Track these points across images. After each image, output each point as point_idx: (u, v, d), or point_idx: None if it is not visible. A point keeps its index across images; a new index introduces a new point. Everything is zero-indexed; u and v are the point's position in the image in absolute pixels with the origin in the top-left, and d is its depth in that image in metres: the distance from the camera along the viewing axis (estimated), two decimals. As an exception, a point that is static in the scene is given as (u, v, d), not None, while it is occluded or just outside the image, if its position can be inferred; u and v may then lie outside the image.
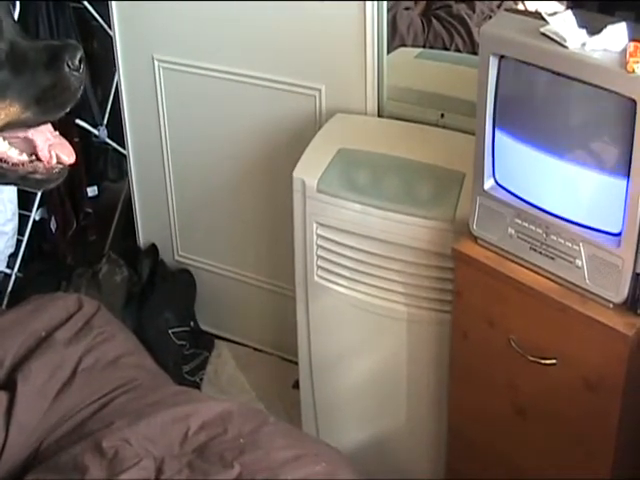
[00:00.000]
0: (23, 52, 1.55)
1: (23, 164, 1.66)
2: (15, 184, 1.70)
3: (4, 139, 1.63)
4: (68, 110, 1.62)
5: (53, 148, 1.69)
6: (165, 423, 2.23)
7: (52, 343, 2.47)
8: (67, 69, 1.57)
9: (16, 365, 2.42)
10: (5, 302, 3.34)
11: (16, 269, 3.39)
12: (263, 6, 2.72)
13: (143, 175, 3.33)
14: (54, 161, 1.69)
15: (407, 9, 3.13)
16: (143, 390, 2.42)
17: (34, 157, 1.67)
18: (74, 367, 2.44)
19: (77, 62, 1.58)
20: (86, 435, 2.22)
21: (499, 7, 3.10)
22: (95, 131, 3.59)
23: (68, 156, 1.71)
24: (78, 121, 3.51)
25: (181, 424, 2.23)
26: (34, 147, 1.66)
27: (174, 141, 3.18)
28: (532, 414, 2.19)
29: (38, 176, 1.67)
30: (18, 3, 3.12)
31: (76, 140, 3.66)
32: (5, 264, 3.34)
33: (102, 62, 3.64)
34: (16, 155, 1.65)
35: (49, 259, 3.60)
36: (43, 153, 1.67)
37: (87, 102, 3.55)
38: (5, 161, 1.64)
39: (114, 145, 3.66)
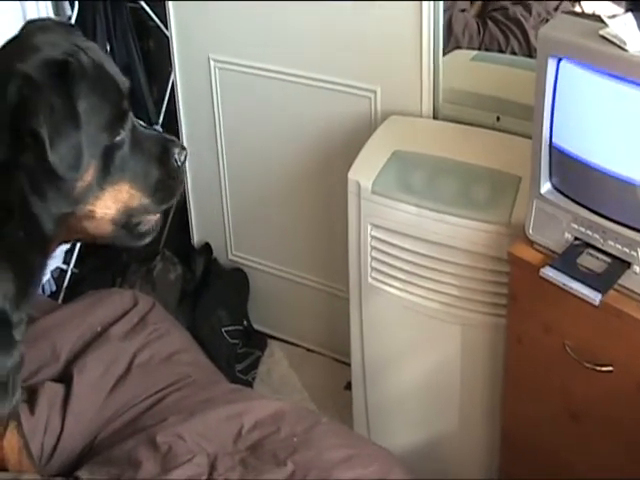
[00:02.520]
0: (141, 139, 1.63)
1: None
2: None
3: None
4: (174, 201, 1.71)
5: None
6: (219, 420, 2.25)
7: (107, 338, 2.50)
8: (175, 163, 1.66)
9: (72, 359, 2.45)
10: (61, 297, 3.38)
11: (72, 265, 3.43)
12: (319, 7, 2.72)
13: (198, 174, 3.35)
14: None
15: (463, 10, 3.11)
16: (197, 387, 2.44)
17: None
18: (129, 362, 2.47)
19: (183, 158, 1.67)
20: (140, 430, 2.25)
21: (556, 9, 3.07)
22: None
23: None
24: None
25: (235, 422, 2.25)
26: None
27: (229, 141, 3.19)
28: (587, 419, 2.17)
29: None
30: (77, 3, 3.15)
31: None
32: (61, 260, 3.38)
33: (158, 62, 3.68)
34: None
35: (104, 256, 3.63)
36: None
37: (143, 101, 3.57)
38: None
39: (169, 144, 3.68)
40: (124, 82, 1.64)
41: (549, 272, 1.99)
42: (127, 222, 1.65)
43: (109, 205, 1.60)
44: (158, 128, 3.61)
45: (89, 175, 1.54)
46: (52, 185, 1.53)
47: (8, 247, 1.59)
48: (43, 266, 1.70)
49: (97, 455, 2.23)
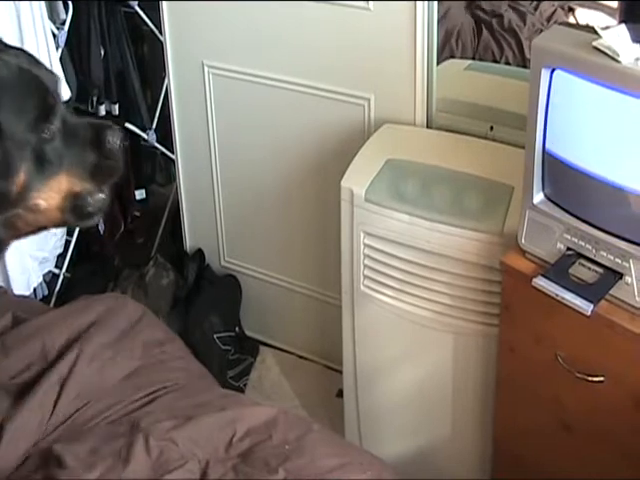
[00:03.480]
0: (73, 128, 1.66)
1: None
2: None
3: None
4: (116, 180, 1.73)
5: None
6: (211, 427, 2.25)
7: (97, 343, 2.49)
8: (109, 145, 1.68)
9: (60, 359, 2.45)
10: (53, 301, 3.38)
11: (64, 269, 3.42)
12: (314, 15, 2.72)
13: (191, 180, 3.35)
14: None
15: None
16: (189, 390, 2.44)
17: None
18: (119, 368, 2.46)
19: (117, 139, 1.69)
20: (132, 426, 2.25)
21: (549, 20, 3.08)
22: (144, 135, 3.62)
23: None
24: (127, 125, 3.54)
25: (227, 429, 2.24)
26: None
27: (222, 146, 3.19)
28: (579, 430, 2.17)
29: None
30: (71, 7, 3.14)
31: (125, 144, 3.70)
32: (54, 264, 3.37)
33: (152, 67, 3.68)
34: None
35: (97, 260, 3.63)
36: None
37: (136, 106, 3.58)
38: None
39: (162, 149, 3.69)
40: (51, 78, 1.66)
41: (541, 282, 2.00)
42: (74, 206, 1.69)
43: (52, 196, 1.64)
44: (151, 133, 3.61)
45: (22, 176, 1.58)
46: None
47: None
48: None
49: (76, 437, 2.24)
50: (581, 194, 1.98)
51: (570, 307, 1.94)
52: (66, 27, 3.13)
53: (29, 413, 2.26)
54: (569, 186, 1.99)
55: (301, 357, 3.36)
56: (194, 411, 2.30)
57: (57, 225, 1.74)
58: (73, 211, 1.70)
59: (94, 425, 2.31)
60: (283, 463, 2.14)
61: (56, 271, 3.42)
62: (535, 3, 3.19)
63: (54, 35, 3.01)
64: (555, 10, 3.15)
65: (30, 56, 1.68)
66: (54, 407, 2.31)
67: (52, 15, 3.10)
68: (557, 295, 1.96)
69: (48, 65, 2.77)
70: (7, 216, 1.62)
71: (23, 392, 2.33)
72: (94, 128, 1.69)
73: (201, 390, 2.47)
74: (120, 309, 2.63)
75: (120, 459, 2.13)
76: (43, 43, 2.81)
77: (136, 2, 3.43)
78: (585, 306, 1.93)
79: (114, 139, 1.68)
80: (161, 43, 3.19)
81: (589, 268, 2.00)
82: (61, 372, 2.37)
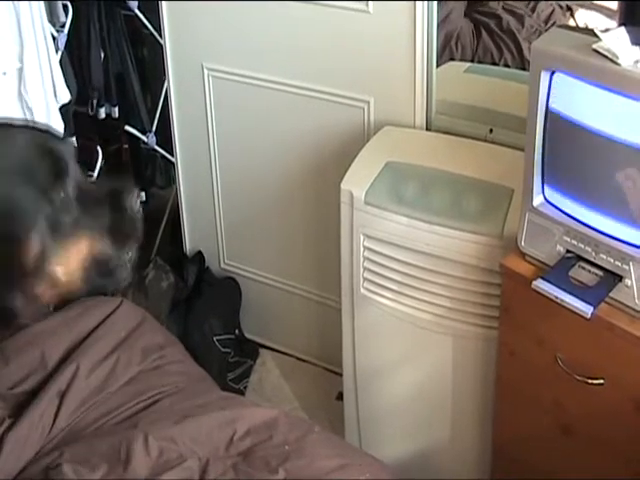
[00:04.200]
0: (88, 193, 1.60)
1: None
2: None
3: None
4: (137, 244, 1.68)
5: None
6: (212, 426, 2.25)
7: (98, 348, 2.49)
8: (128, 208, 1.63)
9: (60, 367, 2.45)
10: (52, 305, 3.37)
11: (64, 273, 3.41)
12: (313, 17, 2.72)
13: (191, 182, 3.35)
14: None
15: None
16: (189, 393, 2.44)
17: None
18: (119, 373, 2.46)
19: (136, 201, 1.64)
20: (131, 427, 2.25)
21: (547, 21, 3.08)
22: (144, 138, 3.62)
23: None
24: (127, 127, 3.55)
25: (227, 428, 2.25)
26: None
27: (222, 149, 3.19)
28: (579, 434, 2.17)
29: None
30: (71, 10, 3.14)
31: (125, 146, 3.70)
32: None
33: (152, 70, 3.68)
34: None
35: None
36: None
37: (136, 109, 3.57)
38: None
39: (162, 152, 3.69)
40: (62, 145, 1.60)
41: (541, 284, 1.99)
42: (96, 268, 1.62)
43: (73, 264, 1.57)
44: (151, 136, 3.61)
45: (37, 247, 1.51)
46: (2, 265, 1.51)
47: None
48: None
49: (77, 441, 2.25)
50: (580, 193, 1.97)
51: (570, 310, 1.94)
52: (66, 30, 3.12)
53: (29, 425, 2.27)
54: (569, 185, 1.99)
55: (301, 360, 3.36)
56: (194, 411, 2.31)
57: (82, 291, 1.63)
58: (95, 272, 1.61)
59: (94, 429, 2.31)
60: (283, 463, 2.14)
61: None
62: (532, 5, 3.19)
63: (54, 38, 3.01)
64: (552, 11, 3.15)
65: (39, 128, 1.62)
66: (54, 419, 2.31)
67: (52, 18, 3.10)
68: (557, 298, 1.96)
69: (48, 71, 2.81)
70: (27, 290, 1.55)
71: (22, 403, 2.33)
72: (110, 191, 1.63)
73: (201, 392, 2.48)
74: (119, 315, 2.63)
75: (120, 460, 2.14)
76: (43, 46, 2.81)
77: (136, 4, 3.43)
78: (585, 309, 1.92)
79: (132, 201, 1.63)
80: (161, 46, 3.19)
81: (589, 271, 2.00)
82: (60, 386, 2.37)
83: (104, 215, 1.61)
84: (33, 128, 1.62)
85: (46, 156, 1.56)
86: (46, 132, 1.62)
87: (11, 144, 1.54)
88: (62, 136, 1.65)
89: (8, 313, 1.56)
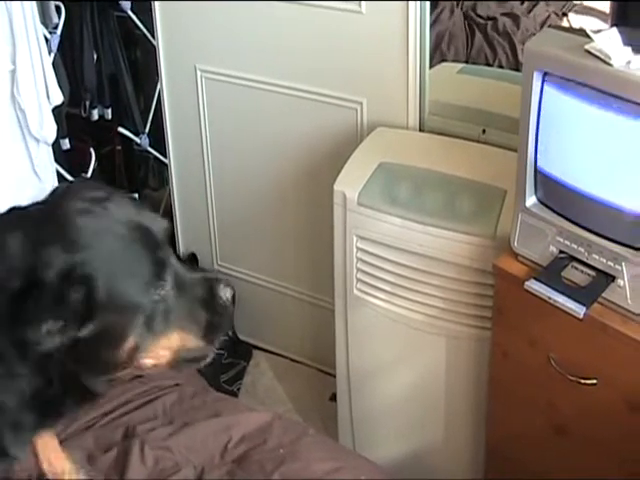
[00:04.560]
0: (184, 283, 1.56)
1: None
2: None
3: None
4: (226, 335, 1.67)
5: None
6: (207, 433, 2.26)
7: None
8: (220, 301, 1.61)
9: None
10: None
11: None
12: (306, 18, 2.72)
13: (184, 184, 3.35)
14: None
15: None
16: (184, 394, 2.44)
17: None
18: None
19: (229, 295, 1.62)
20: (128, 428, 2.26)
21: (543, 24, 3.08)
22: (137, 139, 3.62)
23: None
24: (120, 129, 3.55)
25: (223, 435, 2.26)
26: None
27: (215, 151, 3.19)
28: (572, 434, 2.17)
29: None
30: (63, 12, 3.14)
31: (118, 148, 3.70)
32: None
33: (145, 71, 3.68)
34: None
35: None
36: None
37: (129, 110, 3.57)
38: None
39: (155, 154, 3.69)
40: (159, 226, 1.55)
41: (534, 285, 1.99)
42: (184, 358, 1.61)
43: (162, 354, 1.56)
44: (144, 137, 3.61)
45: (132, 343, 1.49)
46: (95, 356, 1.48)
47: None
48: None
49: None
50: (573, 193, 1.98)
51: (563, 310, 1.94)
52: (59, 31, 3.12)
53: None
54: (562, 186, 1.99)
55: (294, 361, 3.36)
56: (189, 417, 2.30)
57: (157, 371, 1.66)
58: (183, 361, 1.61)
59: (89, 429, 2.31)
60: (278, 467, 2.14)
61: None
62: (528, 6, 3.20)
63: (46, 39, 3.00)
64: (549, 15, 3.16)
65: (135, 202, 1.58)
66: None
67: (44, 19, 3.10)
68: (550, 298, 1.96)
69: (41, 73, 2.81)
70: (113, 375, 1.54)
71: None
72: (205, 282, 1.60)
73: (196, 394, 2.47)
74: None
75: (117, 470, 2.13)
76: (35, 47, 2.80)
77: (129, 6, 3.43)
78: (578, 309, 1.93)
79: (226, 294, 1.61)
80: (154, 47, 3.19)
81: (582, 271, 2.00)
82: None
83: (198, 309, 1.58)
84: (130, 199, 1.58)
85: (148, 241, 1.51)
86: (142, 207, 1.57)
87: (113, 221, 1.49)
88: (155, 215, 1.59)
89: (89, 393, 1.55)
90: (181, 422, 2.29)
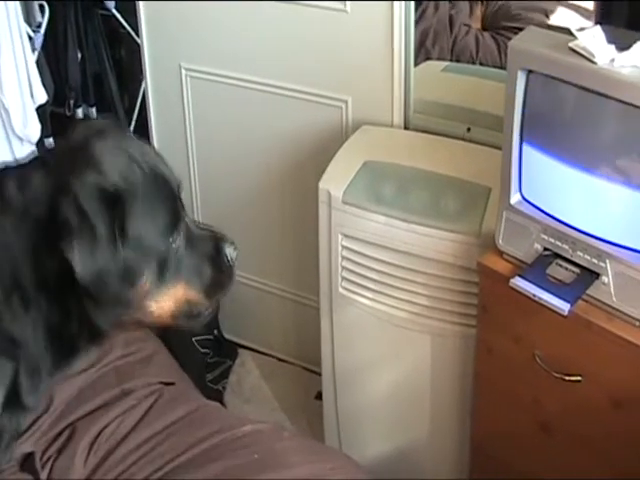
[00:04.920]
0: (194, 238, 1.64)
1: None
2: None
3: None
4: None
5: None
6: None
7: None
8: (226, 260, 1.68)
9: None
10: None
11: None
12: (291, 17, 2.72)
13: (169, 183, 3.34)
14: None
15: (466, 25, 3.12)
16: (171, 397, 2.44)
17: None
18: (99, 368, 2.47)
19: (235, 255, 1.70)
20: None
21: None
22: (121, 138, 3.60)
23: None
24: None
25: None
26: None
27: (200, 150, 3.19)
28: (557, 431, 2.18)
29: None
30: (47, 10, 3.13)
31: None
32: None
33: (129, 70, 3.67)
34: None
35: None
36: None
37: (114, 109, 3.57)
38: None
39: (140, 152, 3.67)
40: (176, 182, 1.62)
41: (519, 282, 2.00)
42: (184, 312, 1.67)
43: (168, 304, 1.62)
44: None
45: (146, 285, 1.55)
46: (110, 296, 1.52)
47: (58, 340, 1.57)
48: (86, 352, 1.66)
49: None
50: (557, 190, 1.98)
51: (547, 307, 1.95)
52: (42, 30, 3.12)
53: None
54: (546, 183, 1.99)
55: (280, 360, 3.36)
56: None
57: (161, 325, 1.71)
58: (184, 314, 1.67)
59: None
60: (256, 475, 2.14)
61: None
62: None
63: (30, 38, 3.00)
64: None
65: (154, 150, 1.65)
66: None
67: (28, 17, 3.10)
68: (534, 295, 1.97)
69: (24, 71, 2.81)
70: (119, 318, 1.59)
71: None
72: (213, 240, 1.68)
73: (181, 397, 2.47)
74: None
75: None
76: (19, 46, 2.80)
77: (113, 4, 3.43)
78: (562, 306, 1.93)
79: (232, 254, 1.69)
80: (138, 46, 3.18)
81: (566, 268, 2.01)
82: None
83: (205, 265, 1.65)
84: (149, 146, 1.64)
85: (168, 190, 1.58)
86: (159, 155, 1.63)
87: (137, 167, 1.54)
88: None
89: (97, 334, 1.59)
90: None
